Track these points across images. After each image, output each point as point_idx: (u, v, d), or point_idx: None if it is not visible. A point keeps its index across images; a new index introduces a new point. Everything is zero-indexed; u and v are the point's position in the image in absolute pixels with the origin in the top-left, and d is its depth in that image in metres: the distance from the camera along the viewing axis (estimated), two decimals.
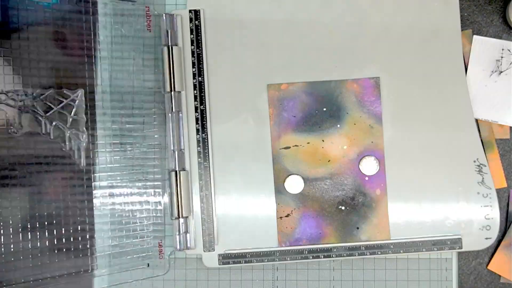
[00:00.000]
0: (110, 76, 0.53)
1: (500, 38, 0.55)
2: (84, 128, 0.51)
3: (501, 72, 0.54)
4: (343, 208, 0.53)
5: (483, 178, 0.52)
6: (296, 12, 0.53)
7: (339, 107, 0.53)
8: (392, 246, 0.52)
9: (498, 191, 0.54)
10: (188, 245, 0.52)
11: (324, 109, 0.53)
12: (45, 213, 0.49)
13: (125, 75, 0.53)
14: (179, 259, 0.55)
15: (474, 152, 0.52)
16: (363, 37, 0.53)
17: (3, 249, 0.47)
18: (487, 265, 0.54)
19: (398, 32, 0.53)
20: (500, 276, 0.54)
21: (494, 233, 0.52)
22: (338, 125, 0.53)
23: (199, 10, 0.53)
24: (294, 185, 0.53)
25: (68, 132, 0.50)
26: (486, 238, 0.52)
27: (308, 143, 0.53)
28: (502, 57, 0.54)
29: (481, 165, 0.52)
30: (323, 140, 0.53)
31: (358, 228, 0.53)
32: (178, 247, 0.52)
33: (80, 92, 0.51)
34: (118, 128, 0.53)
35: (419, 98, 0.53)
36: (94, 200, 0.51)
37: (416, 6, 0.53)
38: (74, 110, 0.50)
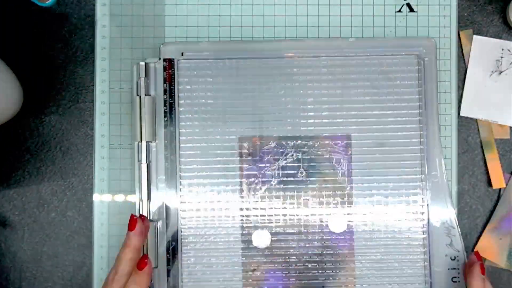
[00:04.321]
0: None
1: (500, 38, 0.55)
2: None
3: (501, 72, 0.54)
4: (309, 265, 0.52)
5: (451, 241, 0.52)
6: (269, 68, 0.53)
7: (310, 163, 0.53)
8: None
9: (498, 191, 0.54)
10: None
11: (295, 164, 0.53)
12: None
13: None
14: None
15: (445, 216, 0.52)
16: (335, 95, 0.53)
17: None
18: (472, 248, 0.54)
19: (367, 91, 0.53)
20: (485, 259, 0.54)
21: None
22: (308, 181, 0.53)
23: (173, 59, 0.53)
24: (261, 239, 0.52)
25: None
26: None
27: (278, 198, 0.53)
28: (502, 57, 0.54)
29: (449, 227, 0.52)
30: (292, 196, 0.53)
31: (323, 287, 0.52)
32: None
33: None
34: None
35: (389, 158, 0.53)
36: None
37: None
38: None
